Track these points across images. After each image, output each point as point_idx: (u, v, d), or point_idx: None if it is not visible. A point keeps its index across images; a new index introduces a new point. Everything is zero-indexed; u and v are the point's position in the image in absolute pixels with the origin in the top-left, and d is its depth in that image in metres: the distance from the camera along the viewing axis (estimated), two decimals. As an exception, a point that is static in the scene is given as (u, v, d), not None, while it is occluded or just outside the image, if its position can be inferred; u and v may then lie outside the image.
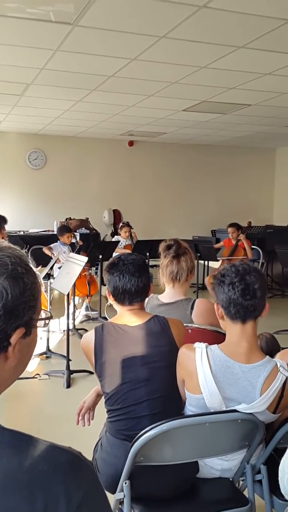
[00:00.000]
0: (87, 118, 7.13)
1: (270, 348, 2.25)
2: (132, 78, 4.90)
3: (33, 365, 4.75)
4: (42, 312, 0.88)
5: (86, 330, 5.91)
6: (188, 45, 3.94)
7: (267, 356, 1.70)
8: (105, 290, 7.06)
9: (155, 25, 3.54)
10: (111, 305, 2.09)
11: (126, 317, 1.96)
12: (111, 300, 2.03)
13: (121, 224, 7.69)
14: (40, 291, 0.87)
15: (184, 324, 2.14)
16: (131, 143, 9.33)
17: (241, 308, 1.67)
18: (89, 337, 1.97)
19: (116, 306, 2.01)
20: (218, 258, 7.35)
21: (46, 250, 6.19)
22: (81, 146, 9.02)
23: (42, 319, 0.88)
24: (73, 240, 6.72)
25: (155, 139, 9.04)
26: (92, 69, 4.67)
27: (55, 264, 5.64)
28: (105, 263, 7.13)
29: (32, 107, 6.44)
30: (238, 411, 1.61)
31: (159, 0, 3.11)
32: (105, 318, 6.36)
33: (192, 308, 2.50)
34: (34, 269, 0.87)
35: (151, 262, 6.76)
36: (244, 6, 3.17)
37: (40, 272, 4.96)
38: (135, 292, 1.94)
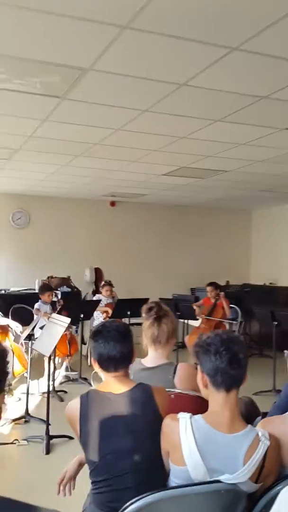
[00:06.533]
0: (71, 181, 7.35)
1: (249, 412, 2.28)
2: (116, 146, 5.14)
3: (11, 430, 4.63)
4: None
5: (65, 392, 5.81)
6: (169, 118, 4.19)
7: (249, 425, 1.74)
8: (85, 349, 6.95)
9: (139, 100, 3.77)
10: (96, 373, 2.12)
11: (111, 385, 1.99)
12: (96, 368, 2.06)
13: (102, 283, 7.76)
14: None
15: (167, 389, 2.18)
16: (113, 204, 9.57)
17: (228, 377, 1.72)
18: (74, 405, 1.97)
19: (102, 373, 2.04)
20: (197, 317, 7.42)
21: (35, 312, 6.21)
22: (64, 206, 9.21)
23: None
24: (54, 299, 6.73)
25: (136, 200, 9.31)
26: (78, 138, 4.90)
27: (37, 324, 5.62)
28: (86, 322, 7.15)
29: (18, 170, 6.63)
30: (221, 482, 1.63)
31: (143, 78, 3.34)
32: (85, 379, 6.27)
33: (174, 372, 2.53)
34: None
35: (132, 321, 6.78)
36: (220, 84, 3.42)
37: (21, 332, 4.94)
38: (120, 358, 1.99)
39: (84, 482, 2.05)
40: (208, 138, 4.80)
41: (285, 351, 1.72)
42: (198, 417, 1.74)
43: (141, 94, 3.65)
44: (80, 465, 2.13)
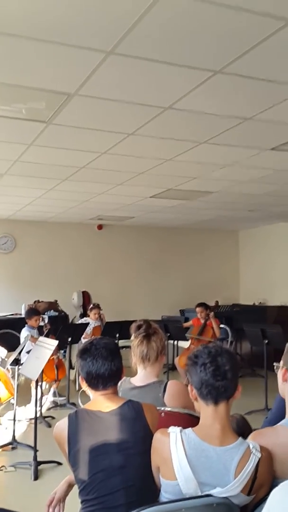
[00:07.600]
0: (58, 205, 7.39)
1: (241, 430, 2.27)
2: (102, 169, 5.19)
3: (-1, 456, 4.54)
4: None
5: (53, 418, 5.71)
6: (154, 141, 4.25)
7: (240, 438, 1.73)
8: (73, 374, 6.81)
9: (124, 123, 3.84)
10: (83, 391, 2.10)
11: (100, 403, 1.97)
12: (84, 386, 2.04)
13: (91, 306, 7.72)
14: None
15: (157, 408, 2.16)
16: (100, 227, 9.62)
17: (213, 388, 1.72)
18: (63, 425, 1.95)
19: (90, 391, 2.02)
20: (187, 337, 7.40)
21: (29, 338, 6.14)
22: (50, 230, 9.22)
23: None
24: (41, 323, 6.67)
25: (123, 223, 9.36)
26: (65, 162, 4.95)
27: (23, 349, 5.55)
28: (74, 346, 7.09)
29: (4, 195, 6.65)
30: (212, 496, 1.61)
31: (128, 102, 3.41)
32: (74, 404, 6.17)
33: (164, 390, 2.52)
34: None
35: (121, 343, 6.72)
36: (205, 107, 3.50)
37: (7, 357, 4.86)
38: (108, 376, 1.98)
39: (74, 503, 2.01)
40: (194, 160, 4.88)
41: (275, 363, 1.72)
42: (189, 430, 1.74)
43: (127, 118, 3.71)
44: (70, 487, 2.09)
